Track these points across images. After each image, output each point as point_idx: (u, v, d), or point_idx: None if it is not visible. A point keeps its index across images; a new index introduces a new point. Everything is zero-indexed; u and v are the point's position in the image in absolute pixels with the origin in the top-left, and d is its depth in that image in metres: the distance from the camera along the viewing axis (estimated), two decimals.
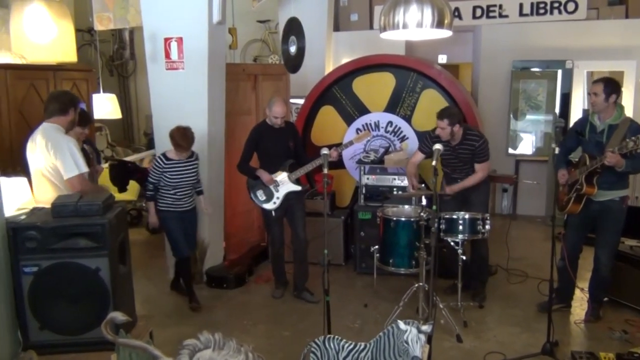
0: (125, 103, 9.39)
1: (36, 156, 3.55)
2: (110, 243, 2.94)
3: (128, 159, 7.49)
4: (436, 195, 3.48)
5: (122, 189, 6.82)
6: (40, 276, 2.89)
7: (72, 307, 2.93)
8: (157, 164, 4.55)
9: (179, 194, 4.58)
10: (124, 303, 3.05)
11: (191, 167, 4.60)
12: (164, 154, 4.58)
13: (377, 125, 5.96)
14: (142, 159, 7.62)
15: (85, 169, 3.54)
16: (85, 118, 4.65)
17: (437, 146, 3.74)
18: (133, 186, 6.99)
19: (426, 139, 4.70)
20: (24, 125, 4.93)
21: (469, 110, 5.54)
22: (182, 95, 4.98)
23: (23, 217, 2.99)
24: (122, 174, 6.76)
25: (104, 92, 6.73)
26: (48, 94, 4.51)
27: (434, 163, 3.56)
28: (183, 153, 4.52)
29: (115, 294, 2.96)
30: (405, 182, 5.22)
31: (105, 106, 6.62)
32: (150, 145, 7.90)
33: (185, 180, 4.57)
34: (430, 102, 5.67)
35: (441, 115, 4.42)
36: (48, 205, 3.11)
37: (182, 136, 4.43)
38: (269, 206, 4.73)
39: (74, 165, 3.48)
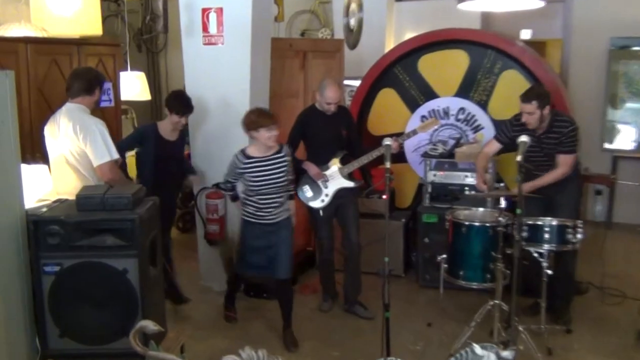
0: (154, 82, 9.54)
1: (59, 141, 3.65)
2: (140, 242, 3.00)
3: None
4: (521, 197, 3.39)
5: None
6: (62, 276, 2.97)
7: (96, 312, 3.00)
8: (234, 163, 4.24)
9: (261, 201, 4.24)
10: (153, 310, 3.11)
11: (277, 165, 4.23)
12: (242, 151, 4.23)
13: (446, 113, 5.87)
14: None
15: (117, 155, 3.63)
16: (187, 105, 4.68)
17: (523, 138, 3.63)
18: None
19: (505, 125, 4.57)
20: (45, 106, 5.05)
21: (558, 96, 5.37)
22: (220, 74, 5.01)
23: (45, 209, 3.07)
24: None
25: (131, 69, 6.85)
26: (71, 71, 4.62)
27: (518, 158, 3.46)
28: (270, 134, 4.09)
29: (144, 300, 3.01)
30: None
31: (133, 86, 6.73)
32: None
33: (270, 183, 4.21)
34: (510, 85, 5.54)
35: (527, 97, 4.25)
36: (70, 197, 3.19)
37: (259, 113, 4.12)
38: (316, 204, 4.73)
39: (106, 150, 3.57)
